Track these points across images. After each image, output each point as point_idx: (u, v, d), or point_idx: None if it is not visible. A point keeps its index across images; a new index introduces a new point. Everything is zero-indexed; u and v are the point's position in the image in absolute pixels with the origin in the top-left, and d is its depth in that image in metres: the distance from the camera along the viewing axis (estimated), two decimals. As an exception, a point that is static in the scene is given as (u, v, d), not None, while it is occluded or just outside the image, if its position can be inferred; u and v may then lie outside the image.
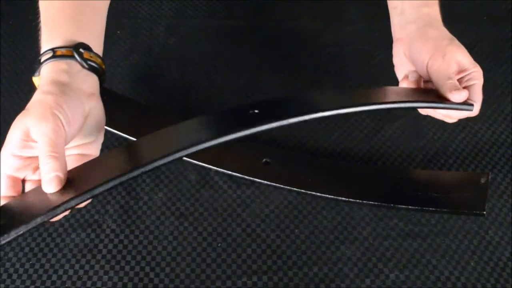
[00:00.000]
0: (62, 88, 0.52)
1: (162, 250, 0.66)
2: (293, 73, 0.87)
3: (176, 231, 0.68)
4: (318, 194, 0.71)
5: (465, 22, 0.95)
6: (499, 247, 0.67)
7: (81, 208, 0.70)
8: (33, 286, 0.63)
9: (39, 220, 0.46)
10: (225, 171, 0.73)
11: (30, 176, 0.52)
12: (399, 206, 0.69)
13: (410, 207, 0.69)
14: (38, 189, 0.49)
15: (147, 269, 0.65)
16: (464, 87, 0.59)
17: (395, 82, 0.67)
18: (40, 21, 0.58)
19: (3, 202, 0.50)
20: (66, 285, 0.63)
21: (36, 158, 0.50)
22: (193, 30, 0.94)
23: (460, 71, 0.60)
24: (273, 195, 0.72)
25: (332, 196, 0.70)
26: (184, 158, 0.73)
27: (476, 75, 0.60)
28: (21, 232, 0.46)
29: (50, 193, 0.48)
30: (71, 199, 0.47)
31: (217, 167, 0.73)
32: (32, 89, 0.83)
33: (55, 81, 0.52)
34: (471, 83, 0.60)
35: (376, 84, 0.84)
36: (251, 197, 0.72)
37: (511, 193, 0.72)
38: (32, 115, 0.50)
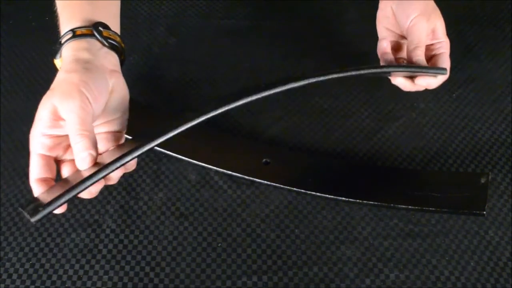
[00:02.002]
0: (85, 65, 0.52)
1: (162, 250, 0.66)
2: (293, 73, 0.87)
3: (176, 231, 0.68)
4: (318, 194, 0.71)
5: (465, 22, 0.95)
6: (499, 247, 0.67)
7: (81, 208, 0.70)
8: (33, 286, 0.63)
9: (81, 186, 0.48)
10: (225, 171, 0.73)
11: (62, 156, 0.52)
12: (399, 206, 0.69)
13: (410, 207, 0.69)
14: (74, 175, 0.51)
15: (147, 269, 0.65)
16: (434, 54, 0.68)
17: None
18: (56, 9, 0.58)
19: (39, 186, 0.50)
20: (66, 285, 0.63)
21: (66, 136, 0.51)
22: (193, 30, 0.94)
23: (433, 38, 0.68)
24: (273, 195, 0.72)
25: (332, 196, 0.70)
26: (184, 158, 0.73)
27: (446, 45, 0.68)
28: (67, 198, 0.47)
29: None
30: (112, 162, 0.49)
31: (217, 167, 0.73)
32: (32, 89, 0.84)
33: (78, 59, 0.53)
34: (441, 51, 0.68)
35: (377, 84, 0.84)
36: (251, 197, 0.72)
37: (511, 193, 0.72)
38: (58, 94, 0.50)
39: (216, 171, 0.73)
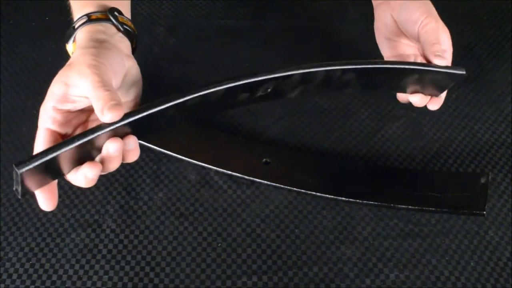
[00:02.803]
0: (102, 44, 0.51)
1: (162, 250, 0.66)
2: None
3: (176, 231, 0.68)
4: (318, 194, 0.71)
5: (465, 22, 0.95)
6: (499, 247, 0.67)
7: (81, 208, 0.70)
8: (33, 286, 0.63)
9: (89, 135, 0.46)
10: (225, 171, 0.73)
11: (70, 135, 0.51)
12: (399, 206, 0.69)
13: (410, 207, 0.69)
14: None
15: (147, 269, 0.65)
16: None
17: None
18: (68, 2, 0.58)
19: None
20: (66, 285, 0.63)
21: (78, 113, 0.50)
22: (193, 30, 0.94)
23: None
24: (273, 195, 0.72)
25: (332, 196, 0.70)
26: (184, 158, 0.73)
27: (450, 55, 0.64)
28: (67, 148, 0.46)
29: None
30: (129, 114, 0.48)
31: (217, 167, 0.73)
32: (32, 89, 0.84)
33: (94, 39, 0.52)
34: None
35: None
36: (251, 197, 0.72)
37: (511, 193, 0.72)
38: (74, 69, 0.49)
39: (216, 171, 0.73)
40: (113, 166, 0.50)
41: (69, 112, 0.50)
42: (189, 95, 0.52)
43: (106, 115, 0.46)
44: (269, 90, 0.57)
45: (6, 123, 0.79)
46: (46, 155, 0.46)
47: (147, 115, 0.49)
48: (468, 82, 0.85)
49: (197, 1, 0.99)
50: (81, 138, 0.46)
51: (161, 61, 0.89)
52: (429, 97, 0.66)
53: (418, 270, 0.65)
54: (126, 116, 0.48)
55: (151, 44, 0.91)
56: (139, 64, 0.89)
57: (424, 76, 0.62)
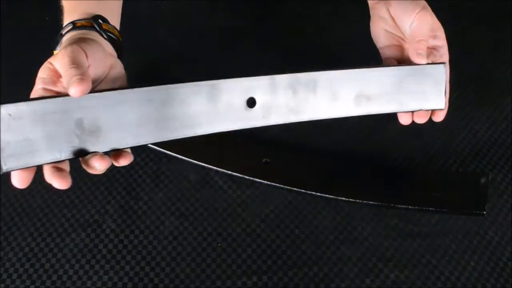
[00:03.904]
0: (84, 39, 0.53)
1: (162, 250, 0.66)
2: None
3: (176, 231, 0.68)
4: (318, 194, 0.71)
5: (465, 22, 0.95)
6: (499, 247, 0.67)
7: (81, 208, 0.70)
8: (33, 286, 0.63)
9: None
10: (225, 171, 0.73)
11: None
12: (399, 206, 0.69)
13: (410, 207, 0.69)
14: None
15: (147, 269, 0.65)
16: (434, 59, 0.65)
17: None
18: (62, 4, 0.60)
19: None
20: (66, 285, 0.63)
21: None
22: (193, 30, 0.94)
23: (435, 39, 0.66)
24: (273, 195, 0.72)
25: (332, 196, 0.70)
26: (184, 158, 0.73)
27: (446, 50, 0.66)
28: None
29: None
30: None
31: (217, 167, 0.73)
32: (32, 88, 0.83)
33: (78, 37, 0.54)
34: (443, 58, 0.65)
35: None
36: (251, 197, 0.72)
37: (511, 193, 0.72)
38: (57, 56, 0.51)
39: (216, 171, 0.73)
40: (98, 171, 0.52)
41: (58, 93, 0.51)
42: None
43: (70, 89, 0.48)
44: None
45: (6, 123, 0.79)
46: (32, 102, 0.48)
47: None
48: (468, 82, 0.85)
49: (197, 1, 0.99)
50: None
51: (161, 61, 0.89)
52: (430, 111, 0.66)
53: (418, 270, 0.65)
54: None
55: (151, 44, 0.91)
56: (139, 64, 0.90)
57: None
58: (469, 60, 0.89)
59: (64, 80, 0.49)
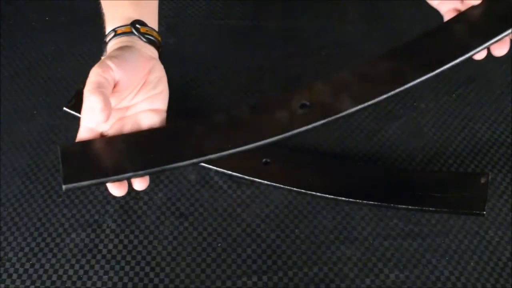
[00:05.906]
0: (123, 48, 0.57)
1: (162, 250, 0.66)
2: (293, 73, 0.87)
3: (176, 231, 0.68)
4: (318, 194, 0.71)
5: (465, 22, 0.94)
6: (499, 247, 0.67)
7: (81, 208, 0.70)
8: (33, 286, 0.63)
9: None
10: (225, 171, 0.73)
11: (107, 131, 0.56)
12: (399, 206, 0.69)
13: (410, 207, 0.69)
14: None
15: (147, 269, 0.65)
16: None
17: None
18: (103, 12, 0.63)
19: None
20: (66, 285, 0.63)
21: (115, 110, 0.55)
22: (193, 30, 0.94)
23: None
24: (273, 195, 0.72)
25: (332, 196, 0.70)
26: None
27: None
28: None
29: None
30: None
31: (217, 167, 0.73)
32: (32, 89, 0.84)
33: (118, 46, 0.57)
34: None
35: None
36: (251, 197, 0.72)
37: (511, 193, 0.72)
38: (91, 71, 0.54)
39: (216, 171, 0.73)
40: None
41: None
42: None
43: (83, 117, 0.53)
44: None
45: (6, 123, 0.79)
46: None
47: None
48: (468, 82, 0.85)
49: (197, 1, 0.99)
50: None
51: (161, 61, 0.88)
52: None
53: (418, 270, 0.65)
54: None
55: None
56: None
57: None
58: (469, 60, 0.89)
59: (84, 106, 0.52)
